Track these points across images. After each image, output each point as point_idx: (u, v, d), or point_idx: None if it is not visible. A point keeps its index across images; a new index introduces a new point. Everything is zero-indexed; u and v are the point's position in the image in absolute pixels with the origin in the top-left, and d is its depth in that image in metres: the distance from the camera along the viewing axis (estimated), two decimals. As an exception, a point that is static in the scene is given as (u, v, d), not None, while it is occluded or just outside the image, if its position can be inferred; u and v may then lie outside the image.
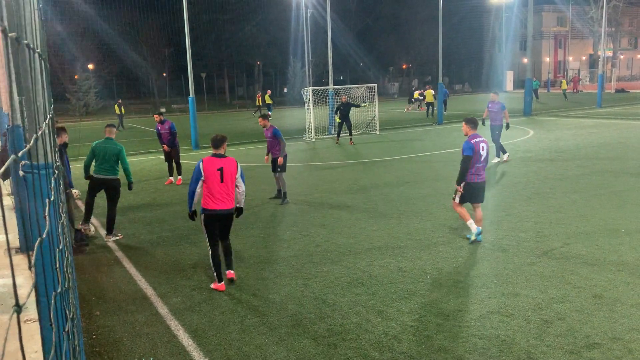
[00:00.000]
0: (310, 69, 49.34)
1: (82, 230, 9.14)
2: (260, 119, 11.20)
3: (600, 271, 6.60)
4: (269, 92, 38.59)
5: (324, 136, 23.59)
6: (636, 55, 78.63)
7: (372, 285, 6.49)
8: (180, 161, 13.89)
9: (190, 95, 21.39)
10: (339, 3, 51.07)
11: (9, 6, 1.82)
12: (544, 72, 70.44)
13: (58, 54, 44.91)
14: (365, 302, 6.03)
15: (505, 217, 9.30)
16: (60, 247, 2.33)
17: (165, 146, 13.48)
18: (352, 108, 20.44)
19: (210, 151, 6.80)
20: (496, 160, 14.86)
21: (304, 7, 47.48)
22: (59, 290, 1.79)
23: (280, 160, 11.01)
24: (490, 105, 15.19)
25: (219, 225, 6.62)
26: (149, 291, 6.68)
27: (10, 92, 1.86)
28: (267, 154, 11.48)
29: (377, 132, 24.14)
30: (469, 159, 7.68)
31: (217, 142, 6.67)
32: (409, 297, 6.10)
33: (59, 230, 2.47)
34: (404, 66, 74.42)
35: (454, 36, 60.07)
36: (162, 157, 14.64)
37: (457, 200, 7.97)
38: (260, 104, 39.17)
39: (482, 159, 7.77)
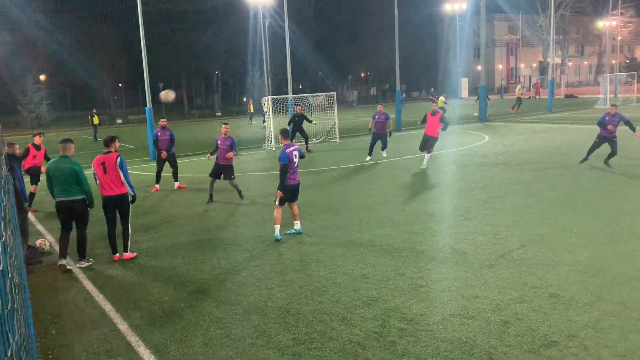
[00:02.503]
0: (270, 78, 49.32)
1: (37, 244, 8.82)
2: (226, 127, 12.35)
3: (556, 271, 6.82)
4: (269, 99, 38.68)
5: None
6: (583, 62, 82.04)
7: (336, 293, 6.50)
8: (135, 173, 13.76)
9: (147, 106, 21.02)
10: (297, 12, 51.26)
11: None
12: (497, 79, 72.60)
13: (6, 65, 43.38)
14: (329, 309, 6.03)
15: (464, 221, 9.50)
16: (0, 268, 2.23)
17: (164, 152, 13.89)
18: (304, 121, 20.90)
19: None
20: (384, 154, 17.63)
21: (261, 17, 47.49)
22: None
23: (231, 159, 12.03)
24: (377, 117, 17.14)
25: (113, 208, 8.25)
26: (107, 307, 6.50)
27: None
28: (213, 155, 12.33)
29: (337, 140, 24.32)
30: (286, 166, 8.60)
31: (106, 142, 8.31)
32: (372, 303, 6.14)
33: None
34: (362, 74, 75.29)
35: (410, 44, 61.18)
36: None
37: (277, 203, 8.82)
38: (253, 111, 39.64)
39: (295, 165, 8.78)
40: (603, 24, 62.81)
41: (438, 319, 5.63)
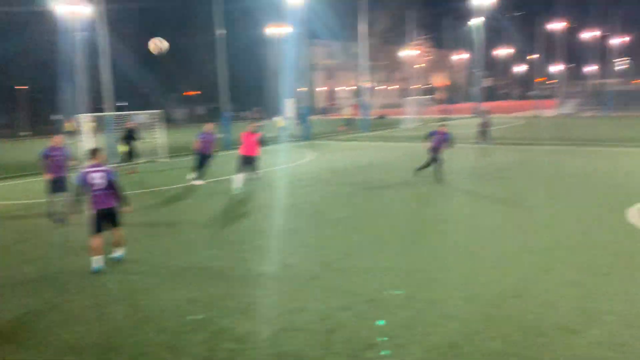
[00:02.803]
0: (87, 94, 45.73)
1: None
2: (58, 138, 11.71)
3: (373, 277, 7.36)
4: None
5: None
6: (391, 86, 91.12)
7: (162, 320, 6.20)
8: None
9: None
10: (117, 25, 48.44)
11: None
12: (319, 100, 76.90)
13: None
14: (154, 339, 5.72)
15: (291, 235, 9.79)
16: None
17: None
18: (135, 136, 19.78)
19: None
20: (198, 182, 15.96)
21: (78, 28, 43.96)
22: None
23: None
24: (203, 136, 15.98)
25: None
26: None
27: None
28: (50, 173, 11.24)
29: (163, 160, 23.48)
30: (78, 188, 8.28)
31: None
32: (200, 327, 5.98)
33: None
34: (189, 92, 74.05)
35: (237, 65, 61.78)
36: None
37: (90, 231, 8.24)
38: (74, 130, 36.89)
39: (96, 188, 8.12)
40: (405, 53, 70.73)
41: (266, 335, 5.69)
